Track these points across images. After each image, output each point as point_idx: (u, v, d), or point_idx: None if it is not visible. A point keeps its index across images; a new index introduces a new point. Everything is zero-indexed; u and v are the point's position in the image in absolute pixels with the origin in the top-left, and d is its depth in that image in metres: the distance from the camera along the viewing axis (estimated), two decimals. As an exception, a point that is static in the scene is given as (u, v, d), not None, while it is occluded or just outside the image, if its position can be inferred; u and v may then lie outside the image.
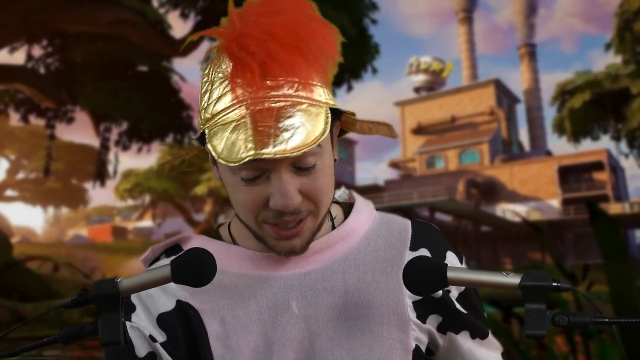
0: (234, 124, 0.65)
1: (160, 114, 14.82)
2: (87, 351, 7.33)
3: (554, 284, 0.61)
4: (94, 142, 18.95)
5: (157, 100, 14.79)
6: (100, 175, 17.11)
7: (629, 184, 61.58)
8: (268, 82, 0.65)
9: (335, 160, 0.75)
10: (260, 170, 0.67)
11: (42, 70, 14.64)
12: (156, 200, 41.88)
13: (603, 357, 2.40)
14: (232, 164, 0.63)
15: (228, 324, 0.73)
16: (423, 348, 0.77)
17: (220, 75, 0.69)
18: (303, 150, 0.62)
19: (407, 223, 0.82)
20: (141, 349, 0.73)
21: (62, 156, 37.83)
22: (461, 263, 0.82)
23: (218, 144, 0.65)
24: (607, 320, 0.61)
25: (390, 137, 0.82)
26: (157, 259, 0.82)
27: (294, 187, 0.68)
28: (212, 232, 0.83)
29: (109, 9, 11.44)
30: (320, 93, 0.69)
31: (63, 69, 14.79)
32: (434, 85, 66.48)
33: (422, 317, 0.76)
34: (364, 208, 0.83)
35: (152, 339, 0.74)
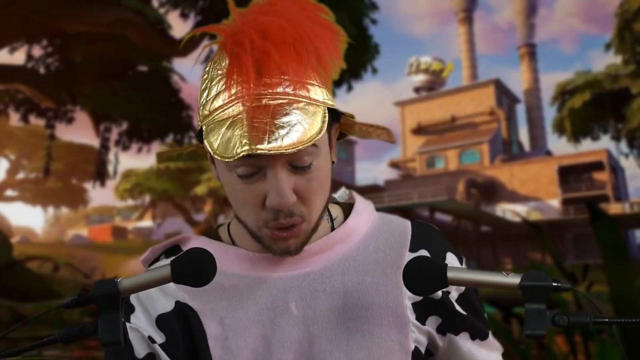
0: (230, 120, 0.65)
1: (160, 114, 14.82)
2: (87, 351, 7.33)
3: (554, 284, 0.61)
4: (94, 142, 18.97)
5: (157, 100, 14.79)
6: (100, 175, 17.11)
7: (629, 184, 61.61)
8: (265, 79, 0.65)
9: (333, 162, 0.75)
10: (255, 167, 0.67)
11: (42, 70, 14.64)
12: (156, 200, 41.88)
13: (603, 357, 2.40)
14: (226, 160, 0.63)
15: (227, 325, 0.73)
16: (422, 349, 0.77)
17: (219, 72, 0.69)
18: (298, 148, 0.62)
19: (407, 224, 0.81)
20: (140, 350, 0.73)
21: (62, 156, 37.84)
22: (461, 264, 0.82)
23: (214, 141, 0.65)
24: (607, 320, 0.61)
25: (389, 142, 0.82)
26: (156, 260, 0.82)
27: (289, 186, 0.67)
28: (211, 232, 0.83)
29: (109, 9, 11.44)
30: (318, 93, 0.68)
31: (63, 69, 14.80)
32: (434, 85, 66.50)
33: (422, 318, 0.76)
34: (364, 209, 0.83)
35: (151, 340, 0.74)
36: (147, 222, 58.92)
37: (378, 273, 0.76)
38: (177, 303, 0.75)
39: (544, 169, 43.36)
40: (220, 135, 0.65)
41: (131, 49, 13.17)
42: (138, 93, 14.41)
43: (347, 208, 0.83)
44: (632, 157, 34.82)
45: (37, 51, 14.45)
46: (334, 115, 0.73)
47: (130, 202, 45.20)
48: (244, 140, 0.62)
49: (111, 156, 17.22)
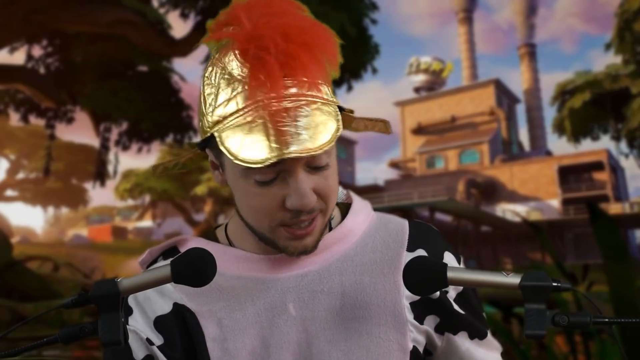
0: (250, 125, 0.64)
1: (160, 114, 14.82)
2: (87, 351, 7.33)
3: (554, 284, 0.61)
4: (94, 142, 18.97)
5: (157, 100, 14.79)
6: (100, 175, 17.10)
7: (629, 184, 61.62)
8: (282, 82, 0.65)
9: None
10: (276, 172, 0.67)
11: (42, 70, 14.64)
12: (156, 200, 41.87)
13: (603, 357, 2.40)
14: (254, 166, 0.63)
15: (225, 326, 0.73)
16: (421, 349, 0.77)
17: (227, 77, 0.68)
18: (324, 148, 0.64)
19: (405, 224, 0.81)
20: (138, 352, 0.73)
21: (62, 156, 37.85)
22: (459, 264, 0.82)
23: (233, 147, 0.64)
24: (607, 320, 0.61)
25: (385, 133, 0.82)
26: (154, 261, 0.82)
27: (309, 187, 0.68)
28: (209, 234, 0.83)
29: (109, 9, 11.44)
30: (327, 92, 0.69)
31: (63, 69, 14.79)
32: (434, 85, 66.49)
33: (420, 318, 0.76)
34: (361, 208, 0.83)
35: (149, 342, 0.74)
36: (147, 222, 58.92)
37: (376, 273, 0.76)
38: (175, 305, 0.75)
39: (544, 169, 43.36)
40: (240, 141, 0.64)
41: (131, 49, 13.17)
42: (138, 93, 14.41)
43: (345, 208, 0.83)
44: (632, 157, 34.83)
45: (37, 51, 14.46)
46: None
47: (130, 202, 45.19)
48: (273, 145, 0.63)
49: (111, 156, 17.23)
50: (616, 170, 44.12)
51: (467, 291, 0.81)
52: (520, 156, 50.83)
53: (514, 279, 0.63)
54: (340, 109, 0.73)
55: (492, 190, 44.02)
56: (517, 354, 2.66)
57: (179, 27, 13.76)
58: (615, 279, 1.99)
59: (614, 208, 36.68)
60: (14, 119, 16.92)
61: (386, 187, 46.93)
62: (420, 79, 67.76)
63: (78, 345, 7.10)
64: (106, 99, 14.17)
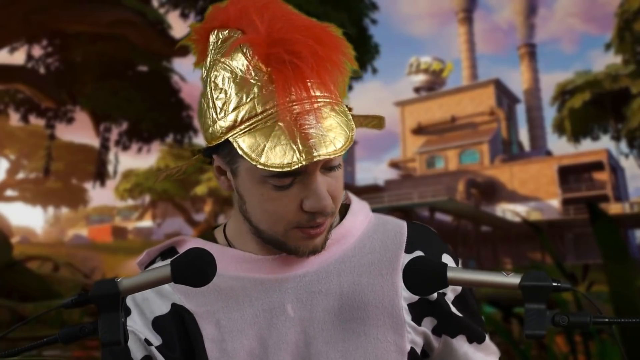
0: (272, 129, 0.64)
1: (160, 114, 14.82)
2: (87, 351, 7.33)
3: (554, 284, 0.61)
4: (94, 142, 18.97)
5: (157, 100, 14.79)
6: (100, 175, 17.11)
7: (629, 184, 61.63)
8: (306, 84, 0.65)
9: None
10: (294, 175, 0.67)
11: (42, 70, 14.65)
12: (156, 200, 41.88)
13: (603, 357, 2.40)
14: (281, 170, 0.62)
15: (223, 327, 0.73)
16: (418, 350, 0.77)
17: (239, 81, 0.67)
18: (347, 148, 0.64)
19: (403, 225, 0.81)
20: (137, 353, 0.73)
21: (62, 156, 37.84)
22: (457, 266, 0.81)
23: (254, 151, 0.63)
24: (607, 320, 0.61)
25: (379, 129, 0.82)
26: (152, 262, 0.82)
27: (325, 189, 0.69)
28: (207, 234, 0.83)
29: (109, 9, 11.44)
30: (335, 91, 0.69)
31: (63, 69, 14.80)
32: (434, 85, 66.49)
33: (417, 319, 0.76)
34: (360, 209, 0.83)
35: (148, 342, 0.74)
36: (147, 222, 58.93)
37: (374, 274, 0.76)
38: (174, 305, 0.75)
39: (544, 169, 43.36)
40: (261, 145, 0.63)
41: (131, 49, 13.17)
42: (138, 93, 14.41)
43: (343, 209, 0.83)
44: (632, 157, 34.83)
45: (37, 51, 14.47)
46: None
47: (130, 202, 45.20)
48: (301, 148, 0.62)
49: (111, 156, 17.24)
50: (616, 170, 44.12)
51: (465, 294, 0.81)
52: (520, 156, 50.83)
53: (514, 279, 0.63)
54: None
55: (492, 190, 44.02)
56: (517, 354, 2.66)
57: (179, 27, 13.75)
58: (615, 279, 1.99)
59: (614, 208, 36.68)
60: (14, 119, 16.95)
61: (386, 187, 46.93)
62: (420, 79, 67.77)
63: (78, 345, 7.10)
64: (106, 99, 14.17)
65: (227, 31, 0.71)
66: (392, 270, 0.76)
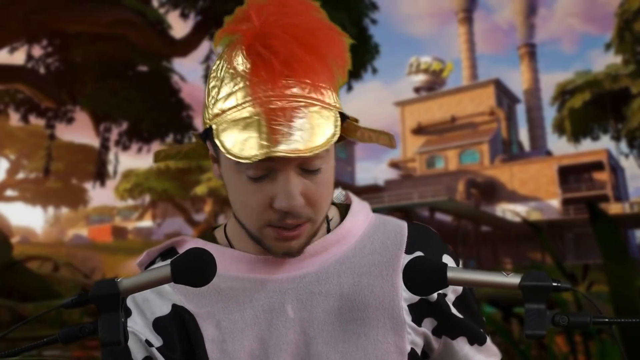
0: (246, 121, 0.65)
1: (160, 114, 14.82)
2: (87, 351, 7.32)
3: (554, 284, 0.61)
4: (94, 142, 18.97)
5: (157, 100, 14.78)
6: (100, 175, 17.11)
7: (629, 184, 61.55)
8: (285, 81, 0.65)
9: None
10: (267, 169, 0.67)
11: (42, 70, 14.64)
12: (156, 200, 41.87)
13: (603, 357, 2.40)
14: (243, 161, 0.63)
15: (224, 328, 0.73)
16: (418, 351, 0.77)
17: (232, 71, 0.69)
18: (315, 152, 0.63)
19: (404, 225, 0.81)
20: (137, 354, 0.73)
21: (62, 156, 37.84)
22: (458, 267, 0.81)
23: (227, 140, 0.65)
24: (607, 320, 0.61)
25: (390, 148, 0.81)
26: (152, 263, 0.82)
27: (298, 189, 0.68)
28: (207, 235, 0.83)
29: (109, 9, 11.44)
30: (331, 96, 0.69)
31: (63, 69, 14.79)
32: (434, 85, 66.49)
33: (418, 320, 0.76)
34: (360, 210, 0.83)
35: (149, 343, 0.74)
36: (147, 222, 58.91)
37: (374, 275, 0.76)
38: (174, 306, 0.75)
39: (544, 169, 43.36)
40: (234, 135, 0.65)
41: (131, 49, 13.17)
42: (138, 93, 14.41)
43: (344, 209, 0.83)
44: (632, 157, 34.83)
45: (37, 51, 14.46)
46: (341, 119, 0.73)
47: (130, 202, 45.21)
48: (263, 142, 0.62)
49: (111, 156, 17.23)
50: (616, 170, 44.13)
51: (466, 295, 0.80)
52: (520, 156, 50.83)
53: (514, 279, 0.63)
54: (344, 116, 0.73)
55: (492, 190, 44.02)
56: (517, 354, 2.66)
57: (179, 27, 13.76)
58: (615, 279, 1.99)
59: (614, 208, 36.68)
60: (14, 119, 16.94)
61: (386, 187, 46.93)
62: (420, 79, 67.77)
63: (78, 345, 7.10)
64: (106, 99, 14.17)
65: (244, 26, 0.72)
66: (392, 271, 0.76)
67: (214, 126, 0.68)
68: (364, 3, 12.72)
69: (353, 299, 0.74)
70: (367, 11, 12.81)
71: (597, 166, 41.88)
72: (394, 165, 57.59)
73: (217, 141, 0.66)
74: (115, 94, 14.17)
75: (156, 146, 16.24)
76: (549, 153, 52.36)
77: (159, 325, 0.75)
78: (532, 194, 43.08)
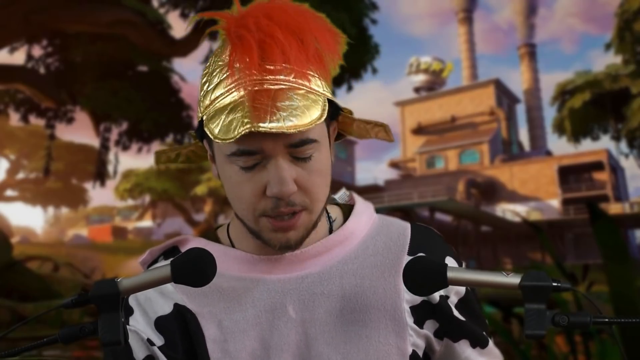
0: (232, 105, 0.65)
1: (160, 114, 14.83)
2: (87, 351, 7.32)
3: (554, 284, 0.61)
4: (94, 142, 18.98)
5: (157, 100, 14.79)
6: (100, 175, 17.11)
7: (629, 184, 61.59)
8: (267, 65, 0.65)
9: (331, 161, 0.75)
10: (257, 158, 0.67)
11: (42, 70, 14.65)
12: (156, 200, 41.86)
13: (603, 357, 2.40)
14: (228, 141, 0.62)
15: (225, 328, 0.73)
16: (420, 353, 0.77)
17: (220, 63, 0.69)
18: (299, 129, 0.62)
19: (407, 227, 0.81)
20: (139, 353, 0.73)
21: (62, 156, 37.85)
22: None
23: (215, 127, 0.65)
24: (607, 320, 0.61)
25: (387, 141, 0.81)
26: (155, 262, 0.82)
27: (290, 175, 0.67)
28: (210, 234, 0.83)
29: (109, 9, 11.44)
30: (319, 84, 0.69)
31: (63, 69, 14.80)
32: (434, 85, 66.49)
33: (420, 322, 0.76)
34: (364, 211, 0.82)
35: (150, 342, 0.74)
36: (147, 222, 58.90)
37: (376, 276, 0.76)
38: (176, 305, 0.75)
39: (544, 169, 43.35)
40: (221, 120, 0.65)
41: (131, 49, 13.17)
42: (138, 93, 14.41)
43: (347, 210, 0.83)
44: (632, 157, 34.83)
45: (37, 51, 14.47)
46: (334, 110, 0.72)
47: (130, 202, 45.19)
48: (246, 120, 0.62)
49: (111, 156, 17.25)
50: (616, 170, 44.12)
51: (469, 297, 0.80)
52: (520, 156, 50.82)
53: (514, 279, 0.63)
54: (338, 107, 0.73)
55: (492, 190, 44.01)
56: (517, 354, 2.66)
57: (179, 27, 13.78)
58: (615, 279, 1.98)
59: (614, 208, 36.67)
60: (14, 119, 16.95)
61: (386, 187, 46.92)
62: (420, 79, 67.77)
63: (78, 345, 7.10)
64: (106, 99, 14.18)
65: None
66: (394, 273, 0.75)
67: (204, 117, 0.68)
68: (364, 3, 12.73)
69: (355, 300, 0.74)
70: (367, 11, 12.81)
71: (597, 166, 41.87)
72: (394, 165, 57.58)
73: (206, 130, 0.66)
74: (115, 94, 14.18)
75: (156, 146, 16.25)
76: (549, 153, 52.35)
77: (160, 324, 0.75)
78: (532, 194, 43.07)
